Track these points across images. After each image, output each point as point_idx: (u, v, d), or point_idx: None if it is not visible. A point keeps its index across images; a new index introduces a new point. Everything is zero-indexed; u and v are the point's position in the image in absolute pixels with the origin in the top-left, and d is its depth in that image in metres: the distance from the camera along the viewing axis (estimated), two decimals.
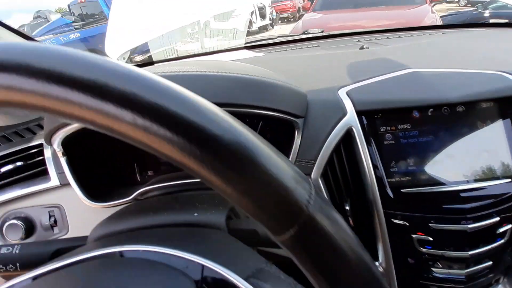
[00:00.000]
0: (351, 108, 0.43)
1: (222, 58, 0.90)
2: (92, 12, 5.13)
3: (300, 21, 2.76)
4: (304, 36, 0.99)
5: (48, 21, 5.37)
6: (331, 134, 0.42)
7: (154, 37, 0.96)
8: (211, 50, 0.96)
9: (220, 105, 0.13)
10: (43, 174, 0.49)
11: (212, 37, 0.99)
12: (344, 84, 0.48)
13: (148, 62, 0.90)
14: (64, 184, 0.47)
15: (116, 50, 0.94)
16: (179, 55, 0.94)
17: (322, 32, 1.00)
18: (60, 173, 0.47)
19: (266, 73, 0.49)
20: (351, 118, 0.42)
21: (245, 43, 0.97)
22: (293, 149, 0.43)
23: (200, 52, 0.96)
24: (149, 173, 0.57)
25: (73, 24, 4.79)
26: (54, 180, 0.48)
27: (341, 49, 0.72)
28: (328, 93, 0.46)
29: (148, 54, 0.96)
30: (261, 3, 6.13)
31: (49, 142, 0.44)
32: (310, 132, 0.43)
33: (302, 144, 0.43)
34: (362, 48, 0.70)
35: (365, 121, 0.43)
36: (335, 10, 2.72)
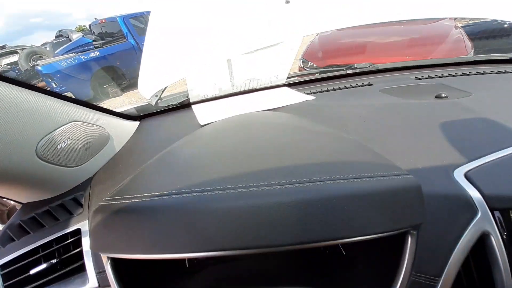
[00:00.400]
0: (483, 204, 0.33)
1: (264, 97, 0.82)
2: (111, 31, 5.29)
3: (316, 37, 2.71)
4: (350, 71, 0.90)
5: (70, 40, 5.57)
6: (460, 242, 0.32)
7: (189, 75, 0.90)
8: (250, 87, 0.89)
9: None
10: (80, 270, 0.41)
11: (249, 75, 0.92)
12: (456, 163, 0.38)
13: (186, 104, 0.83)
14: (104, 286, 0.39)
15: (149, 89, 0.88)
16: (216, 95, 0.87)
17: (370, 66, 0.91)
18: (100, 272, 0.39)
19: (364, 151, 0.39)
20: (485, 219, 0.32)
21: (286, 79, 0.89)
22: (406, 260, 0.33)
23: (238, 90, 0.89)
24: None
25: (94, 43, 4.93)
26: (92, 282, 0.39)
27: (412, 97, 0.62)
28: (442, 178, 0.36)
29: (183, 93, 0.90)
30: None
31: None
32: (429, 237, 0.33)
33: (418, 253, 0.33)
34: (439, 97, 0.60)
35: (500, 220, 0.33)
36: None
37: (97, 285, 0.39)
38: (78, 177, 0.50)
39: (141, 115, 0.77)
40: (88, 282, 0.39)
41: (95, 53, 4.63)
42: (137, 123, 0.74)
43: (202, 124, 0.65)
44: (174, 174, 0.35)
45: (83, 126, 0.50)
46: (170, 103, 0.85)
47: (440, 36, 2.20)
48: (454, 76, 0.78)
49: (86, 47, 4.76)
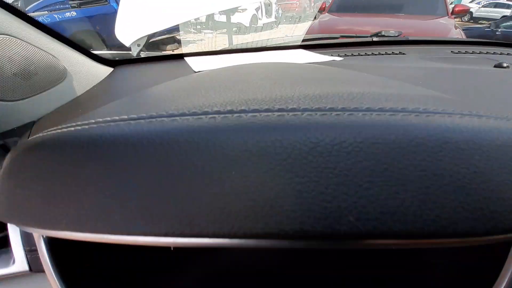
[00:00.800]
0: None
1: (275, 56, 0.67)
2: None
3: (316, 21, 2.68)
4: (376, 39, 0.77)
5: None
6: None
7: (182, 21, 0.72)
8: (258, 46, 0.73)
9: None
10: (3, 245, 0.27)
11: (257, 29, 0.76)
12: None
13: (176, 55, 0.66)
14: (37, 271, 0.25)
15: (129, 35, 0.69)
16: (218, 48, 0.71)
17: (399, 35, 0.78)
18: (31, 251, 0.25)
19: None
20: None
21: (302, 41, 0.75)
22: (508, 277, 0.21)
23: (242, 48, 0.73)
24: None
25: (70, 2, 4.40)
26: (19, 263, 0.25)
27: (469, 64, 0.51)
28: None
29: (174, 43, 0.72)
30: (268, 0, 6.03)
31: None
32: None
33: None
34: (500, 66, 0.48)
35: None
36: (351, 13, 2.61)
37: (27, 268, 0.26)
38: (11, 117, 0.33)
39: (116, 60, 0.60)
40: (14, 263, 0.26)
41: (71, 13, 4.13)
42: (110, 69, 0.56)
43: (196, 71, 0.49)
44: (149, 96, 0.20)
45: (21, 46, 0.33)
46: (157, 55, 0.68)
47: (442, 32, 2.16)
48: (494, 54, 0.68)
49: (61, 6, 4.24)
